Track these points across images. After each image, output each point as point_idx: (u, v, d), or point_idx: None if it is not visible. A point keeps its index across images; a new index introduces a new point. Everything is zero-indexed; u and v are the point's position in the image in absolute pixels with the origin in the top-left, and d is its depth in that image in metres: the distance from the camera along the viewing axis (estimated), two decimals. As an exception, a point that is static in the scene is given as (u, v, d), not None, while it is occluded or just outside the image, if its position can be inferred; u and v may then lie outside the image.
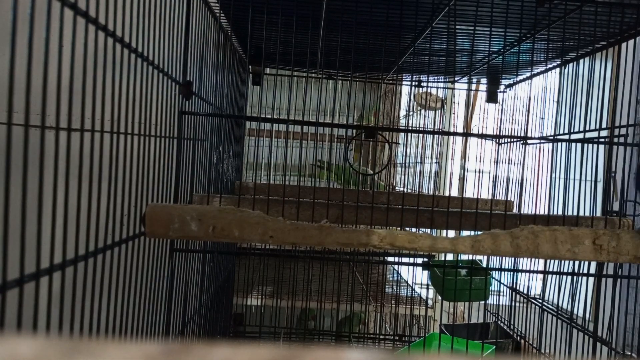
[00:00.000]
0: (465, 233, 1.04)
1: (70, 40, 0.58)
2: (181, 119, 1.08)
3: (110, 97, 0.70)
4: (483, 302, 1.94)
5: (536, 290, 1.90)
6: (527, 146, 1.53)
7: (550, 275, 1.62)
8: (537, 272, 1.64)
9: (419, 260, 1.89)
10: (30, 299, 0.51)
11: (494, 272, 1.89)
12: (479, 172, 1.98)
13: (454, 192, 2.98)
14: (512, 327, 1.87)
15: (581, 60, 1.47)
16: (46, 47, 0.51)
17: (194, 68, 1.14)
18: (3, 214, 0.47)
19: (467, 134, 2.71)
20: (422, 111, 2.58)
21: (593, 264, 1.38)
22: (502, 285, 1.95)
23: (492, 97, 2.04)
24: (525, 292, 1.77)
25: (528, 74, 1.86)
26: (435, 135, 2.45)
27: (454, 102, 2.87)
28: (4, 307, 0.48)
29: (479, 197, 1.36)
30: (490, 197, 1.43)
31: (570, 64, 1.54)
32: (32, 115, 0.48)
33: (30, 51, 0.48)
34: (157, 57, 0.88)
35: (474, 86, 2.51)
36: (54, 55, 0.54)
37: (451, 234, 1.32)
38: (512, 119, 2.08)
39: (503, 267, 1.79)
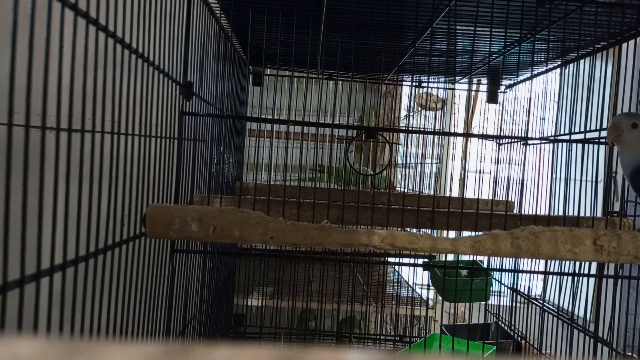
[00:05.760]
0: (465, 234, 1.04)
1: (71, 41, 0.58)
2: (182, 119, 1.08)
3: (111, 98, 0.70)
4: (484, 302, 1.94)
5: (537, 290, 1.90)
6: (528, 147, 1.53)
7: (551, 276, 1.62)
8: (538, 272, 1.64)
9: (420, 261, 1.89)
10: (30, 299, 0.51)
11: (494, 272, 1.89)
12: (480, 172, 1.98)
13: (455, 193, 2.98)
14: (512, 327, 1.87)
15: (582, 61, 1.47)
16: (47, 47, 0.51)
17: (194, 69, 1.14)
18: (4, 215, 0.47)
19: (467, 135, 2.71)
20: (423, 112, 2.57)
21: (594, 265, 1.38)
22: (502, 286, 1.95)
23: (492, 98, 2.03)
24: (526, 292, 1.77)
25: (528, 75, 1.86)
26: (436, 136, 2.45)
27: (455, 103, 2.87)
28: (4, 308, 0.48)
29: (479, 197, 1.35)
30: (490, 197, 1.43)
31: (571, 65, 1.54)
32: (32, 116, 0.48)
33: (31, 52, 0.48)
34: (158, 58, 0.88)
35: (474, 87, 2.51)
36: (55, 56, 0.53)
37: (452, 234, 1.32)
38: (513, 120, 2.08)
39: (504, 267, 1.79)
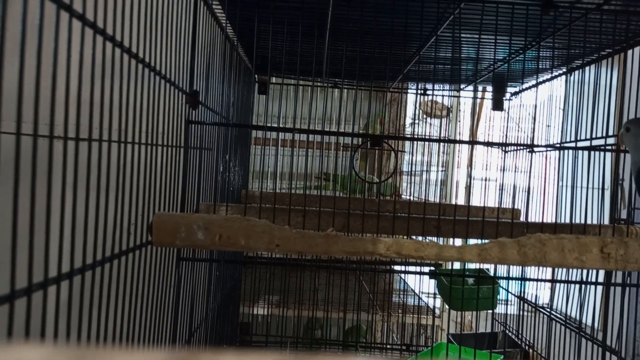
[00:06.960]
0: (472, 241, 1.04)
1: (79, 50, 0.59)
2: (188, 128, 1.08)
3: (118, 107, 0.71)
4: (491, 311, 1.93)
5: (544, 299, 1.89)
6: (534, 154, 1.52)
7: (558, 284, 1.61)
8: (545, 280, 1.63)
9: (426, 269, 1.88)
10: (38, 307, 0.51)
11: (501, 280, 1.88)
12: (486, 180, 1.98)
13: (461, 200, 2.97)
14: (520, 336, 1.86)
15: (587, 68, 1.47)
16: (55, 57, 0.52)
17: (200, 78, 1.15)
18: (11, 223, 0.47)
19: (473, 142, 2.71)
20: (428, 119, 2.57)
21: (601, 273, 1.37)
22: (509, 294, 1.94)
23: (498, 105, 2.03)
24: (533, 301, 1.76)
25: (534, 82, 1.86)
26: (442, 144, 2.45)
27: (460, 110, 2.87)
28: (12, 315, 0.48)
29: (485, 205, 1.35)
30: (496, 205, 1.42)
31: (576, 72, 1.54)
32: (40, 125, 0.48)
33: (39, 61, 0.49)
34: (164, 67, 0.89)
35: (479, 94, 2.51)
36: (62, 65, 0.54)
37: (458, 242, 1.32)
38: (519, 127, 2.08)
39: (511, 275, 1.78)
